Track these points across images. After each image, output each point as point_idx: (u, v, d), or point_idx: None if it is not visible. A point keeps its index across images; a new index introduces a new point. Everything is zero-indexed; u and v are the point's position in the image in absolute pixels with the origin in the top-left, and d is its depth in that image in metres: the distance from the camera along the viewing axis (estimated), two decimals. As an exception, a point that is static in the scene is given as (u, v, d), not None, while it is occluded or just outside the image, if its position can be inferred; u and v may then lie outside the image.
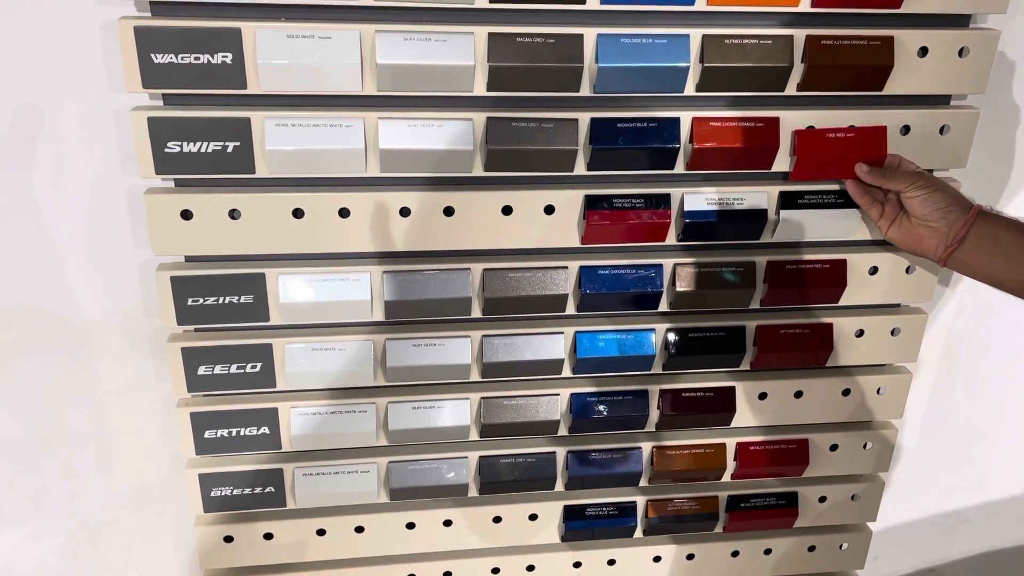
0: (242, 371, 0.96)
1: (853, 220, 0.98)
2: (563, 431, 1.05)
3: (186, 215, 0.88)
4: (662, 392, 1.05)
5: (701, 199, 0.95)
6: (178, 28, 0.80)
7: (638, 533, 1.14)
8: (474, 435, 1.03)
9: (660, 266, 0.98)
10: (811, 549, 1.20)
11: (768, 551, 1.19)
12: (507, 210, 0.93)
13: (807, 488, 1.15)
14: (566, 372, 1.02)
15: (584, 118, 0.89)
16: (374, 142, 0.87)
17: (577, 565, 1.15)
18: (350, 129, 0.86)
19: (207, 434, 0.98)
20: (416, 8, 0.83)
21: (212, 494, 1.01)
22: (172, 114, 0.84)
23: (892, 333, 1.06)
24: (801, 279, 1.00)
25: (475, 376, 1.01)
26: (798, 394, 1.08)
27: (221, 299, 0.92)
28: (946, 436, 1.29)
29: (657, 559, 1.15)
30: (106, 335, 1.00)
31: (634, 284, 0.97)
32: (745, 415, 1.08)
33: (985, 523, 1.40)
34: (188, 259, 0.93)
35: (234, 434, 0.98)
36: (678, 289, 0.98)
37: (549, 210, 0.93)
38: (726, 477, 1.11)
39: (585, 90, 0.88)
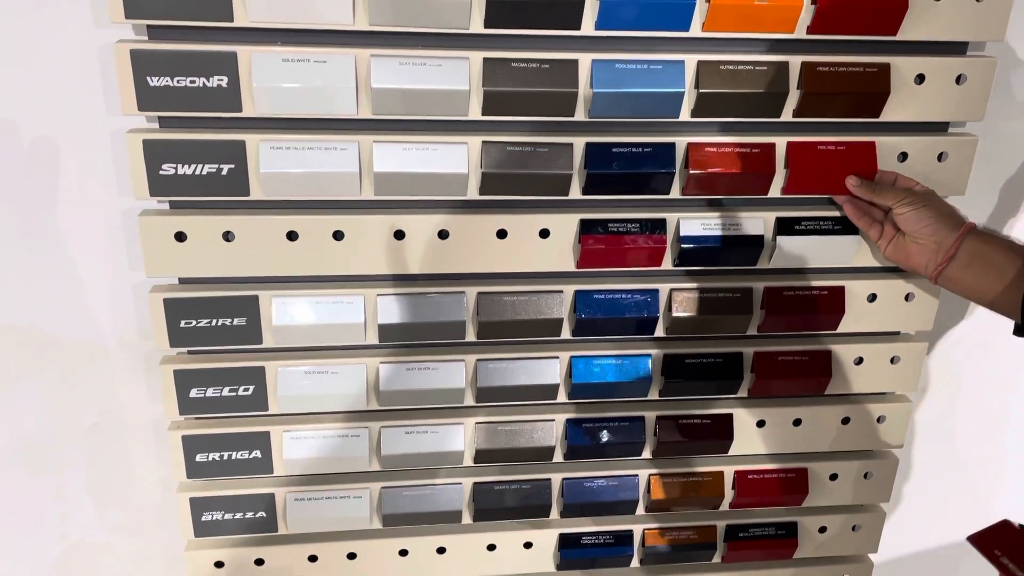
0: (234, 394, 0.95)
1: (851, 246, 0.98)
2: (558, 457, 1.04)
3: (180, 237, 0.88)
4: (659, 419, 1.04)
5: (697, 224, 0.95)
6: (174, 52, 0.81)
7: (635, 563, 1.12)
8: (468, 460, 1.02)
9: (656, 291, 0.97)
10: (811, 580, 1.18)
11: (768, 582, 1.17)
12: (502, 234, 0.92)
13: (807, 518, 1.13)
14: (561, 397, 1.01)
15: (579, 142, 0.89)
16: (369, 165, 0.87)
17: (572, 594, 1.13)
18: (345, 152, 0.86)
19: (199, 457, 0.97)
20: (412, 33, 0.84)
21: (203, 518, 1.00)
22: (167, 136, 0.84)
23: (892, 361, 1.05)
24: (799, 305, 0.99)
25: (469, 401, 1.00)
26: (797, 422, 1.06)
27: (214, 321, 0.92)
28: (949, 465, 1.28)
29: (654, 589, 1.14)
30: (99, 357, 1.00)
31: (630, 309, 0.97)
32: (743, 443, 1.06)
33: (990, 555, 1.37)
34: (182, 281, 0.93)
35: (226, 458, 0.98)
36: (675, 314, 0.97)
37: (544, 234, 0.93)
38: (724, 506, 1.09)
39: (580, 115, 0.88)
